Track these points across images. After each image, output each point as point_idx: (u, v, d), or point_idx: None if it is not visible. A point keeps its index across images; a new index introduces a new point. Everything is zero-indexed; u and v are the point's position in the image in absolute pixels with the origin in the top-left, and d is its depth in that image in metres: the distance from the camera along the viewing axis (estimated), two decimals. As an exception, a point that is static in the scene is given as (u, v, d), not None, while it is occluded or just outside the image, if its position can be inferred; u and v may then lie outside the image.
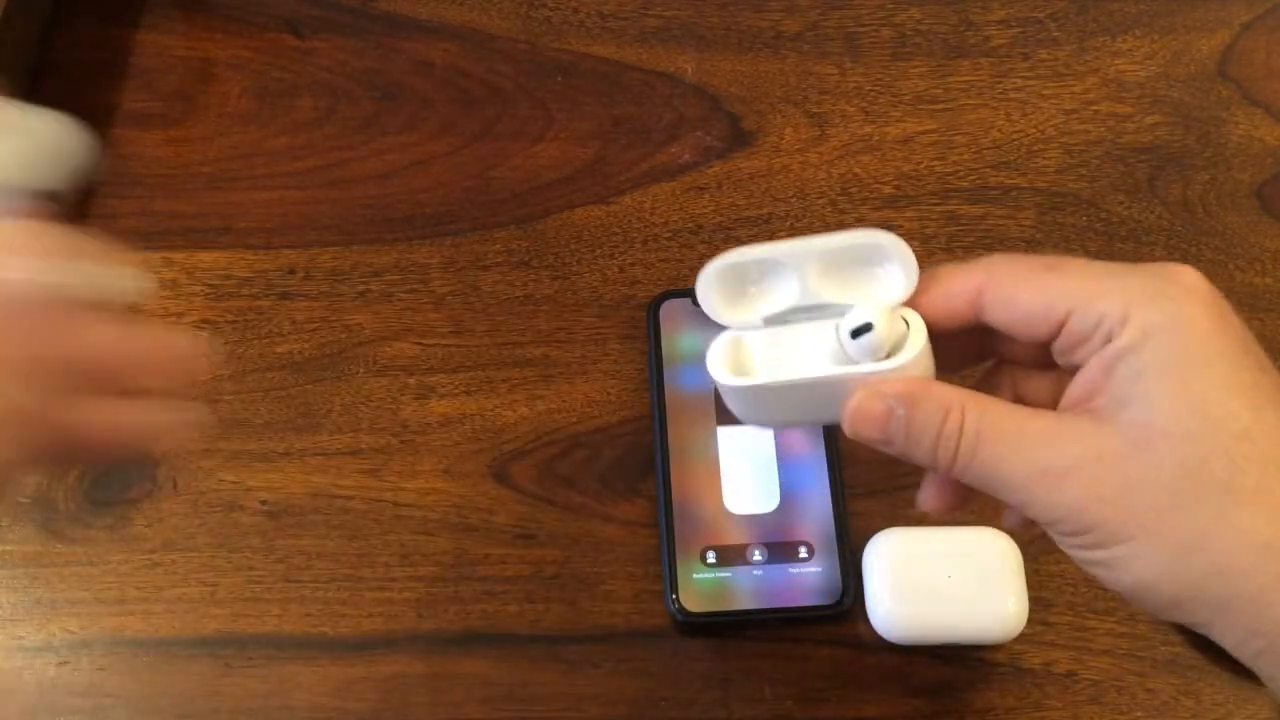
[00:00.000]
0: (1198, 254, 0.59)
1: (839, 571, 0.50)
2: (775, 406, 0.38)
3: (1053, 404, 0.35)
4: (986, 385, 0.38)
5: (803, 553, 0.51)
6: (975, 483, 0.34)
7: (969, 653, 0.50)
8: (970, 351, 0.38)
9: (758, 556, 0.51)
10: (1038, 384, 0.37)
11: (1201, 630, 0.32)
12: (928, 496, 0.38)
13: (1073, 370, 0.34)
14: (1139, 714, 0.49)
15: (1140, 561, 0.31)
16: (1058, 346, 0.34)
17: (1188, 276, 0.33)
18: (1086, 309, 0.32)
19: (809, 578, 0.50)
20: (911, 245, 0.59)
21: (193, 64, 0.64)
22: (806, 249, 0.37)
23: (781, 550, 0.51)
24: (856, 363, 0.35)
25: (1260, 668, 0.32)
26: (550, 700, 0.50)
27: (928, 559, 0.49)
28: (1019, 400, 0.37)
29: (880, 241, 0.36)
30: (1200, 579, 0.31)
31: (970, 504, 0.37)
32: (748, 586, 0.50)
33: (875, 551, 0.50)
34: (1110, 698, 0.50)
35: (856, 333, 0.35)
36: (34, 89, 0.63)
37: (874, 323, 0.34)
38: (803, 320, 0.38)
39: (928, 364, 0.35)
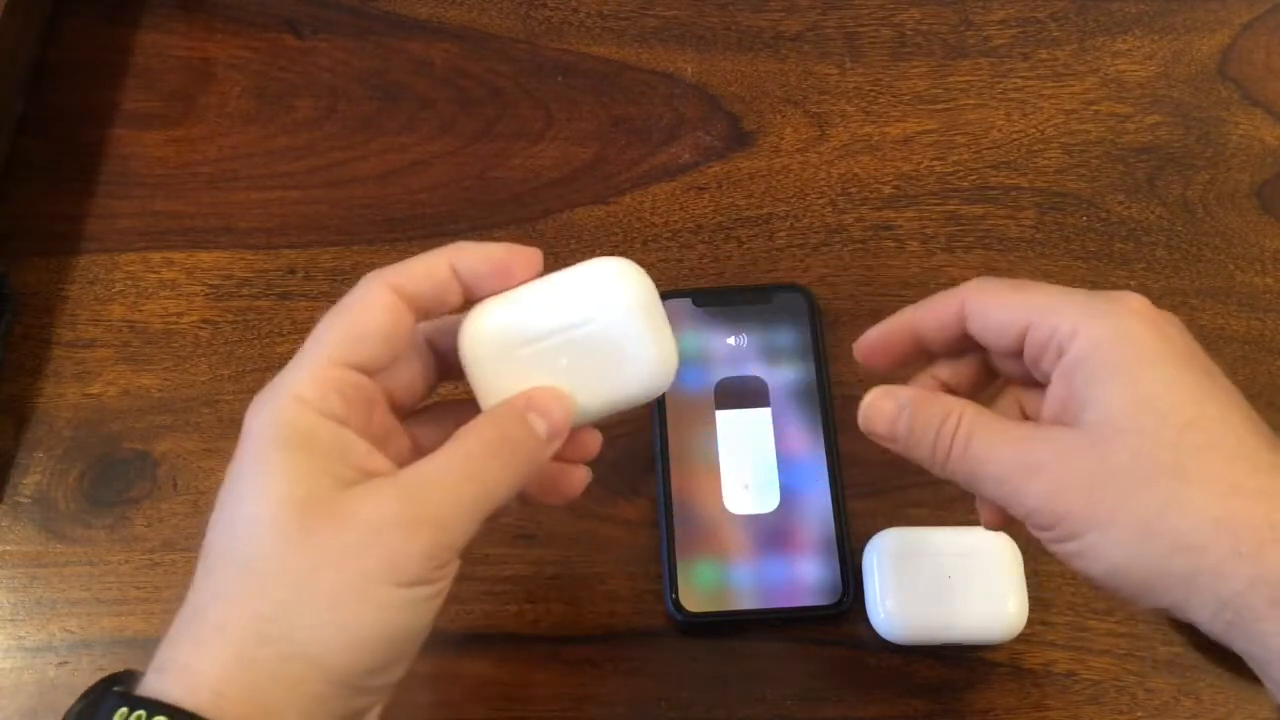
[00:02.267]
0: (1198, 254, 0.59)
1: (839, 571, 0.50)
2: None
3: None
4: (995, 404, 0.41)
5: (803, 553, 0.51)
6: (962, 478, 0.37)
7: (969, 653, 0.50)
8: (979, 376, 0.41)
9: (758, 556, 0.51)
10: (1034, 401, 0.40)
11: (1179, 613, 0.34)
12: (985, 516, 0.41)
13: (1044, 380, 0.37)
14: (1139, 714, 0.49)
15: (1108, 547, 0.34)
16: (1026, 358, 0.38)
17: (1134, 301, 0.36)
18: (1041, 322, 0.36)
19: (809, 578, 0.50)
20: (912, 245, 0.59)
21: (193, 64, 0.64)
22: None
23: (781, 550, 0.51)
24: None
25: (1234, 640, 0.33)
26: (550, 700, 0.50)
27: (928, 559, 0.49)
28: (1024, 417, 0.40)
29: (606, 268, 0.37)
30: (1163, 558, 0.33)
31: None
32: (748, 586, 0.50)
33: (875, 551, 0.50)
34: (1110, 698, 0.50)
35: None
36: (34, 89, 0.63)
37: None
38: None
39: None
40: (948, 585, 0.49)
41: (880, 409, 0.39)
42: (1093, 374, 0.35)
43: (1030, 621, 0.50)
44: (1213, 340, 0.57)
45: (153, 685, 0.33)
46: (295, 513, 0.33)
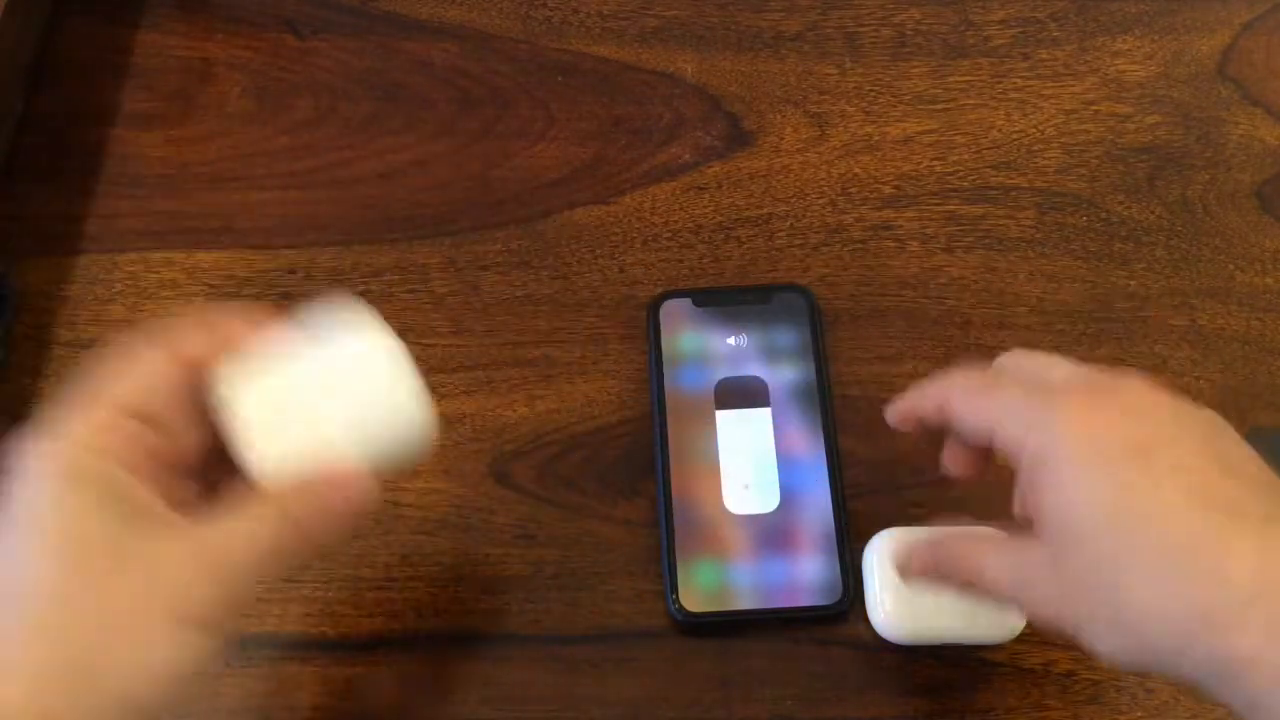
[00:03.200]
0: (1197, 254, 0.59)
1: (839, 571, 0.50)
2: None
3: None
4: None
5: (803, 553, 0.51)
6: (991, 598, 0.42)
7: (969, 653, 0.50)
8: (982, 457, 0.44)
9: (758, 556, 0.51)
10: None
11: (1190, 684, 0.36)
12: (950, 460, 0.44)
13: None
14: (1139, 714, 0.49)
15: (1097, 641, 0.36)
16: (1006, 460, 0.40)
17: (1078, 397, 0.38)
18: (999, 434, 0.39)
19: (809, 578, 0.50)
20: (912, 245, 0.59)
21: (193, 64, 0.64)
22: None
23: (781, 550, 0.51)
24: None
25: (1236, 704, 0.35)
26: (550, 700, 0.50)
27: None
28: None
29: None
30: (1137, 653, 0.36)
31: (988, 472, 0.43)
32: (748, 586, 0.50)
33: (875, 551, 0.50)
34: (1110, 698, 0.50)
35: None
36: (34, 89, 0.63)
37: None
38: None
39: None
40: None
41: (917, 558, 0.43)
42: (1035, 485, 0.37)
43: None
44: (1213, 340, 0.57)
45: None
46: (78, 550, 0.34)
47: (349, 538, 0.40)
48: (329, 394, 0.39)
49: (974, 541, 0.41)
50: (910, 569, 0.43)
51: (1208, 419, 0.38)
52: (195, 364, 0.38)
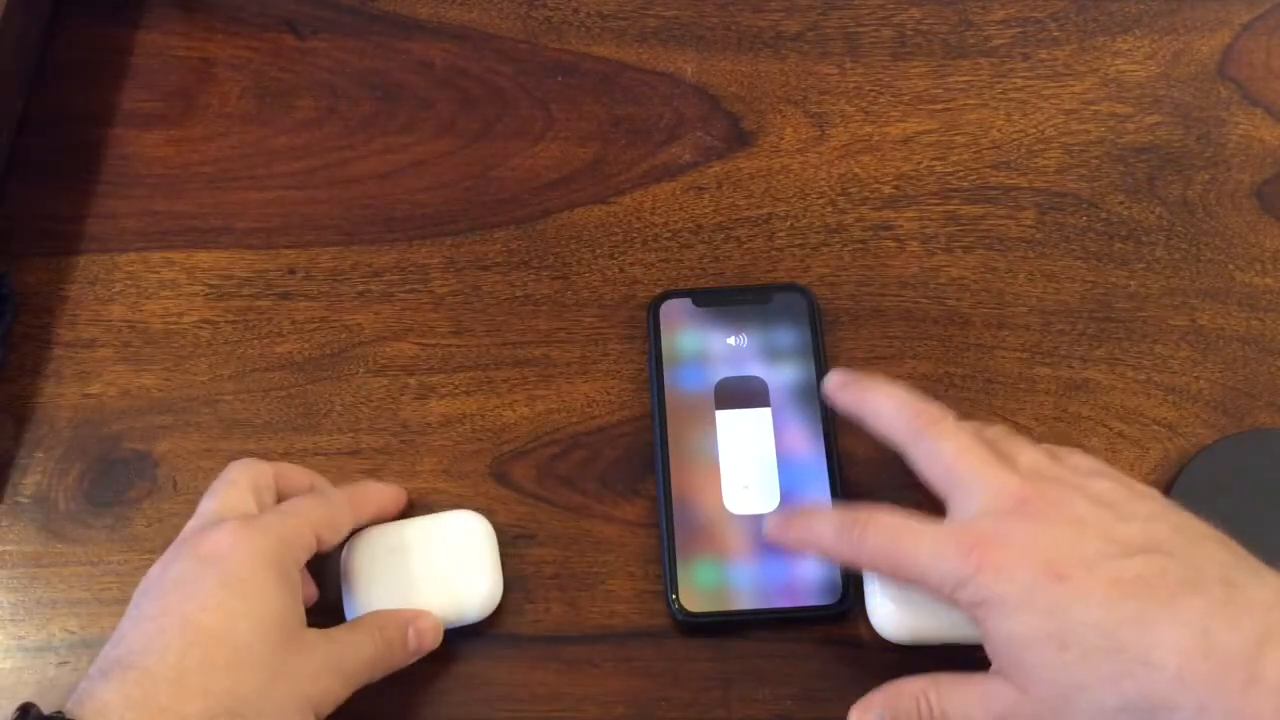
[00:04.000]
0: (1198, 254, 0.59)
1: (839, 571, 0.50)
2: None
3: None
4: None
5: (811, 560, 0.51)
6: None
7: (969, 653, 0.50)
8: None
9: (758, 556, 0.51)
10: None
11: None
12: None
13: None
14: (1139, 714, 0.49)
15: None
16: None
17: (994, 549, 0.43)
18: (929, 584, 0.44)
19: (809, 578, 0.50)
20: (912, 245, 0.59)
21: (193, 64, 0.64)
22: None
23: (781, 550, 0.51)
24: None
25: None
26: (550, 700, 0.50)
27: None
28: None
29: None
30: None
31: None
32: (748, 586, 0.50)
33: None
34: (1110, 698, 0.49)
35: None
36: (34, 89, 0.63)
37: None
38: None
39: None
40: None
41: (870, 713, 0.45)
42: (979, 628, 0.44)
43: (1030, 621, 0.50)
44: (1213, 340, 0.57)
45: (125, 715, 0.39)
46: (279, 631, 0.43)
47: (408, 664, 0.48)
48: (424, 555, 0.50)
49: (927, 686, 0.44)
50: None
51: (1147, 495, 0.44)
52: (358, 523, 0.50)
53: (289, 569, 0.45)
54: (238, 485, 0.48)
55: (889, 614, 0.49)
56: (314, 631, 0.45)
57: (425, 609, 0.49)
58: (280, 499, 0.49)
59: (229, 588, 0.43)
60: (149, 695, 0.40)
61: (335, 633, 0.46)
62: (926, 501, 0.53)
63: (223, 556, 0.43)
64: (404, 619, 0.48)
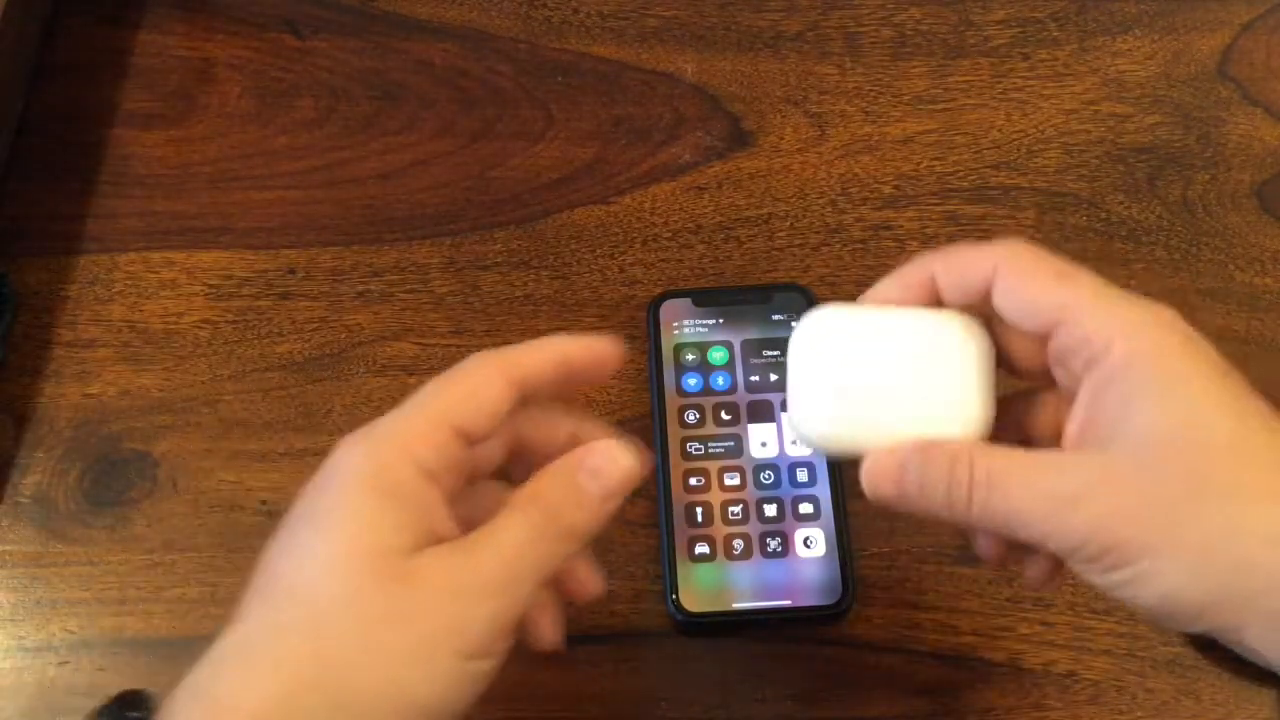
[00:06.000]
0: (1197, 254, 0.59)
1: (839, 571, 0.50)
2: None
3: (1052, 434, 0.37)
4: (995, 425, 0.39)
5: (803, 553, 0.51)
6: (990, 524, 0.35)
7: (969, 653, 0.50)
8: None
9: (757, 557, 0.51)
10: (1036, 415, 0.39)
11: (1232, 639, 0.34)
12: (985, 549, 0.39)
13: (1063, 379, 0.36)
14: (1139, 714, 0.49)
15: (1162, 574, 0.33)
16: (1050, 354, 0.37)
17: (1167, 313, 0.35)
18: (1074, 327, 0.35)
19: (809, 578, 0.50)
20: (912, 245, 0.59)
21: (193, 64, 0.64)
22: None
23: (782, 550, 0.51)
24: None
25: None
26: (550, 700, 0.50)
27: (870, 345, 0.40)
28: (1025, 437, 0.39)
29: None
30: (1221, 580, 0.33)
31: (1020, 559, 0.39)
32: (747, 586, 0.50)
33: (808, 337, 0.40)
34: (1110, 698, 0.50)
35: None
36: (34, 89, 0.63)
37: None
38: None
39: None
40: (894, 376, 0.38)
41: (883, 469, 0.37)
42: (1130, 392, 0.34)
43: (1030, 621, 0.50)
44: (1213, 340, 0.56)
45: (177, 711, 0.32)
46: (372, 564, 0.33)
47: (609, 522, 0.37)
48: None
49: (971, 450, 0.35)
50: (878, 487, 0.37)
51: None
52: (526, 395, 0.37)
53: (398, 481, 0.34)
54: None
55: (816, 411, 0.39)
56: (437, 549, 0.34)
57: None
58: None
59: (309, 521, 0.34)
60: (211, 681, 0.33)
61: (472, 535, 0.35)
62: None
63: (315, 484, 0.35)
64: (566, 468, 0.36)
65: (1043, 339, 0.36)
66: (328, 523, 0.34)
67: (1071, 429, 0.35)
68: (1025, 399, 0.40)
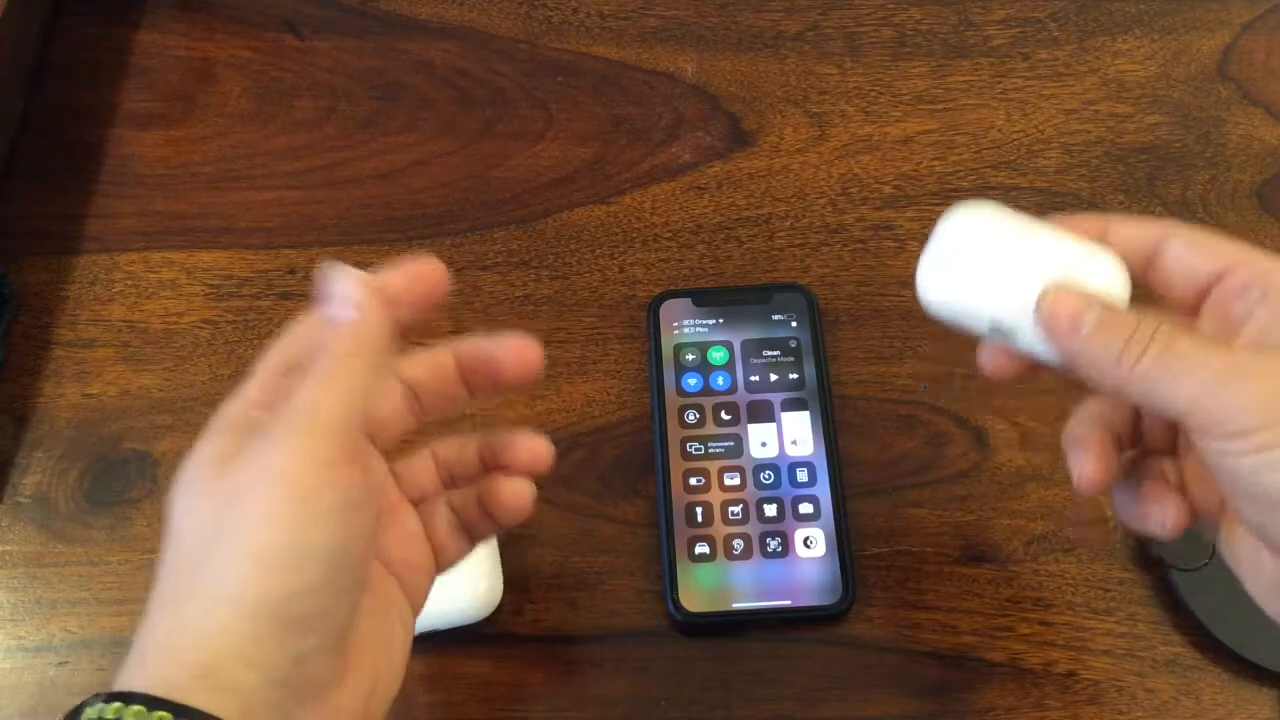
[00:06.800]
0: (1198, 254, 0.59)
1: (839, 571, 0.50)
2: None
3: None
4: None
5: (803, 553, 0.51)
6: (1147, 385, 0.36)
7: (969, 653, 0.50)
8: None
9: (757, 557, 0.51)
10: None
11: None
12: (988, 360, 0.42)
13: (1216, 327, 0.38)
14: (1139, 714, 0.49)
15: None
16: (1214, 297, 0.38)
17: None
18: (1240, 269, 0.37)
19: (809, 578, 0.50)
20: (912, 245, 0.59)
21: (193, 64, 0.64)
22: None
23: (782, 550, 0.51)
24: None
25: None
26: (550, 700, 0.50)
27: (1014, 243, 0.41)
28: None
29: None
30: None
31: (1027, 375, 0.41)
32: (747, 586, 0.50)
33: (964, 217, 0.43)
34: (1110, 698, 0.50)
35: None
36: (34, 89, 0.63)
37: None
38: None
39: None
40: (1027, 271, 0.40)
41: (1066, 300, 0.38)
42: None
43: (1030, 621, 0.50)
44: (1213, 340, 0.57)
45: (122, 680, 0.34)
46: (209, 469, 0.34)
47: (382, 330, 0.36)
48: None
49: (1162, 319, 0.36)
50: (1055, 318, 0.38)
51: None
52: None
53: (233, 414, 0.36)
54: None
55: (944, 274, 0.42)
56: (257, 434, 0.35)
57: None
58: None
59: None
60: (136, 646, 0.35)
61: (281, 403, 0.35)
62: (927, 501, 0.53)
63: None
64: (312, 326, 0.37)
65: (1204, 291, 0.38)
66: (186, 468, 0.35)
67: (1248, 335, 0.37)
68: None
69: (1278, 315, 0.37)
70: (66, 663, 0.50)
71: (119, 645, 0.50)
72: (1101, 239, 0.40)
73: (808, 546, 0.51)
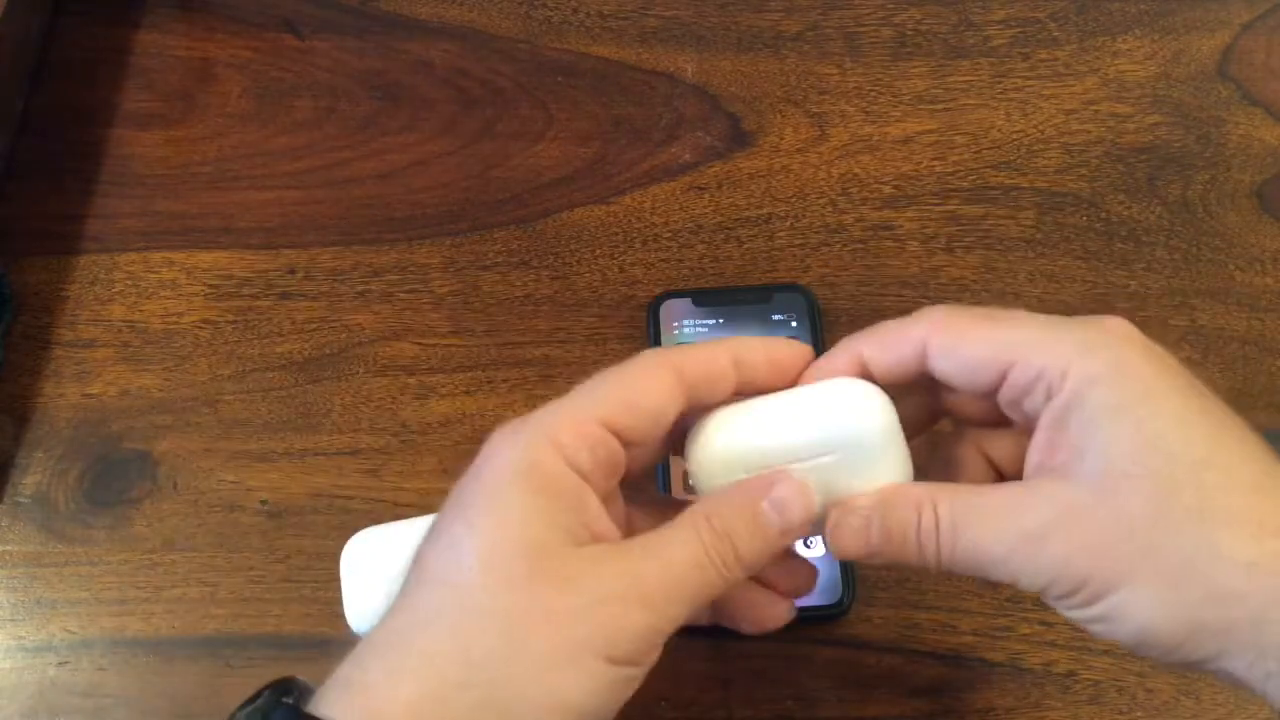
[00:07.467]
0: (1197, 254, 0.59)
1: (839, 571, 0.50)
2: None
3: (1019, 463, 0.36)
4: (954, 453, 0.38)
5: (803, 553, 0.51)
6: (964, 569, 0.34)
7: (969, 653, 0.50)
8: (923, 416, 0.39)
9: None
10: (1001, 446, 0.37)
11: (1211, 668, 0.32)
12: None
13: (1022, 421, 0.35)
14: (1139, 714, 0.49)
15: (1136, 606, 0.31)
16: (1002, 398, 0.35)
17: (1120, 326, 0.34)
18: (1026, 363, 0.33)
19: (809, 578, 0.50)
20: (912, 245, 0.59)
21: (193, 64, 0.64)
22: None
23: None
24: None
25: (1271, 693, 0.32)
26: (550, 700, 0.49)
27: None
28: (989, 463, 0.38)
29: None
30: (1197, 610, 0.31)
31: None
32: (748, 586, 0.50)
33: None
34: (1110, 698, 0.50)
35: None
36: (34, 89, 0.63)
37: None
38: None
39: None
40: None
41: (847, 527, 0.35)
42: (1091, 416, 0.32)
43: (1030, 621, 0.50)
44: (1213, 340, 0.57)
45: (330, 701, 0.31)
46: (524, 559, 0.32)
47: (777, 554, 0.36)
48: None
49: (934, 495, 0.34)
50: (844, 547, 0.35)
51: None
52: (695, 396, 0.36)
53: (554, 474, 0.33)
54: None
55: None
56: (594, 548, 0.33)
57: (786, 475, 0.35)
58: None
59: (460, 514, 0.33)
60: (361, 671, 0.32)
61: (634, 541, 0.34)
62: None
63: (468, 475, 0.34)
64: (749, 492, 0.34)
65: (992, 392, 0.35)
66: (477, 516, 0.33)
67: (1033, 461, 0.34)
68: (988, 432, 0.38)
69: (1058, 428, 0.33)
70: (66, 663, 0.50)
71: (119, 645, 0.50)
72: (860, 372, 0.37)
73: (808, 546, 0.51)
